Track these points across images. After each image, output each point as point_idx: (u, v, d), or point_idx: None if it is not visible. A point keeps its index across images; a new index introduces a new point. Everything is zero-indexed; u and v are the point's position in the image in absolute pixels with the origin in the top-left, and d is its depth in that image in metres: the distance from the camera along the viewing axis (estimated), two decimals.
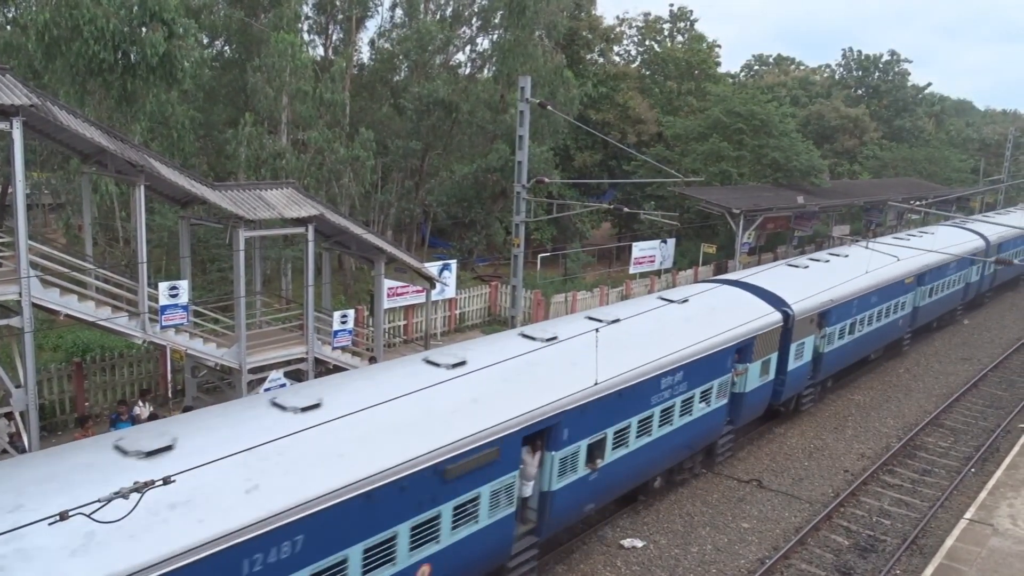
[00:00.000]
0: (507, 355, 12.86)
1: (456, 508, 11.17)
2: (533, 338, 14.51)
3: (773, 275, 21.99)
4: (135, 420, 15.34)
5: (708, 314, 17.69)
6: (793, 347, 20.46)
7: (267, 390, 17.18)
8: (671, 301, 17.92)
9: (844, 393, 25.20)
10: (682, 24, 60.98)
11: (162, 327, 15.93)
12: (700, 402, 16.77)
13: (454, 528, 11.22)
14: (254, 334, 18.46)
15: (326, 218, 17.92)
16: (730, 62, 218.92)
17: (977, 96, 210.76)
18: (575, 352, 13.90)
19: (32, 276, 13.81)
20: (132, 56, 22.48)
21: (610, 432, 14.20)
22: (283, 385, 17.56)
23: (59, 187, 29.21)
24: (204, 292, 23.88)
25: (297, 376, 18.21)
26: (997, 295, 41.28)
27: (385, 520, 10.11)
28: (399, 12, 39.20)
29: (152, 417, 15.59)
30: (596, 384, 13.40)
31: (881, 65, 78.65)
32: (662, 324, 16.41)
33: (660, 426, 15.59)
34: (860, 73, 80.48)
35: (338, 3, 35.96)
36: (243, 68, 29.38)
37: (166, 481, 6.80)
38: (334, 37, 38.62)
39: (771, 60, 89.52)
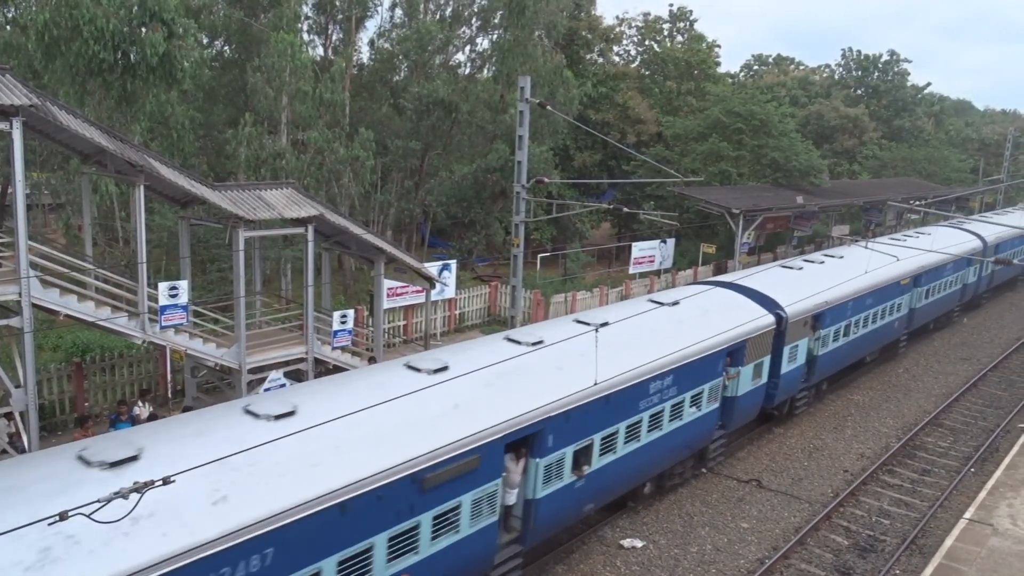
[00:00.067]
0: (491, 360, 12.61)
1: (436, 517, 10.93)
2: (519, 342, 14.21)
3: (766, 277, 21.76)
4: (135, 420, 15.35)
5: (699, 317, 17.52)
6: (786, 350, 20.25)
7: (267, 390, 17.20)
8: (662, 304, 17.77)
9: (843, 393, 25.21)
10: (682, 24, 61.01)
11: (162, 327, 15.93)
12: (690, 406, 16.54)
13: (434, 538, 10.99)
14: (254, 334, 18.46)
15: (326, 218, 17.92)
16: (730, 62, 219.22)
17: (976, 96, 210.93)
18: (561, 357, 13.70)
19: (32, 276, 13.81)
20: (132, 56, 22.49)
21: (597, 438, 13.94)
22: (283, 385, 17.58)
23: (59, 187, 29.24)
24: (204, 292, 23.88)
25: (297, 376, 18.21)
26: (995, 296, 41.18)
27: (361, 531, 9.87)
28: (399, 12, 39.26)
29: (152, 417, 15.60)
30: (582, 389, 13.18)
31: (880, 65, 78.70)
32: (652, 327, 16.19)
33: (649, 431, 15.33)
34: (859, 73, 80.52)
35: (338, 3, 35.97)
36: (243, 68, 29.39)
37: (166, 481, 6.78)
38: (334, 37, 38.64)
39: (771, 60, 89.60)
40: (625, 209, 27.16)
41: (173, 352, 19.61)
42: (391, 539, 10.29)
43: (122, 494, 6.40)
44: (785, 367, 20.42)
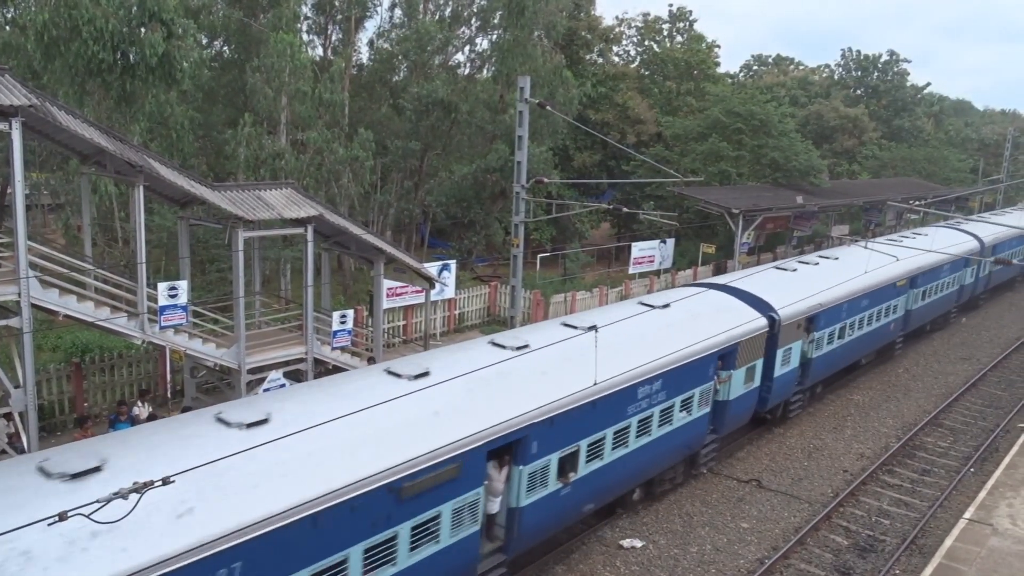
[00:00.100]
0: (474, 365, 12.35)
1: (415, 528, 10.65)
2: (503, 346, 13.90)
3: (760, 279, 21.42)
4: (134, 420, 15.35)
5: (690, 320, 17.24)
6: (779, 353, 19.95)
7: (266, 390, 17.20)
8: (652, 307, 17.47)
9: (843, 393, 25.21)
10: (681, 24, 61.05)
11: (161, 327, 15.92)
12: (680, 411, 16.25)
13: (413, 549, 10.71)
14: (253, 334, 18.45)
15: (325, 218, 17.92)
16: (729, 62, 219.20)
17: (976, 96, 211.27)
18: (547, 361, 13.41)
19: (31, 276, 13.80)
20: (131, 56, 22.49)
21: (583, 444, 13.64)
22: (282, 385, 17.58)
23: (58, 187, 29.27)
24: (203, 292, 23.88)
25: (297, 376, 18.21)
26: (993, 297, 40.96)
27: (334, 543, 9.56)
28: (398, 12, 39.30)
29: (152, 417, 15.60)
30: (568, 395, 12.91)
31: (880, 65, 78.78)
32: (641, 331, 15.82)
33: (638, 437, 15.05)
34: (859, 73, 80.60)
35: (337, 3, 35.98)
36: (242, 68, 29.40)
37: (165, 481, 6.76)
38: (333, 37, 38.65)
39: (770, 60, 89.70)
40: (625, 209, 27.17)
41: (172, 352, 19.61)
42: (367, 551, 10.03)
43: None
44: (778, 370, 20.11)
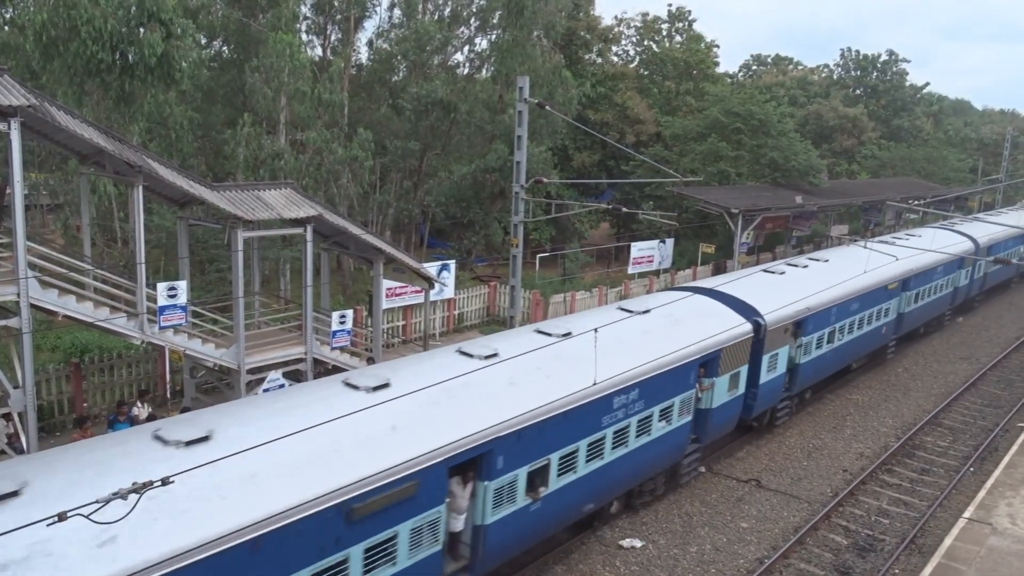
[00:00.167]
0: (439, 376, 11.82)
1: (368, 550, 10.06)
2: (471, 355, 13.32)
3: (746, 283, 20.78)
4: (133, 421, 15.33)
5: (670, 326, 16.66)
6: (765, 359, 19.40)
7: (266, 391, 17.20)
8: (631, 312, 16.79)
9: (843, 393, 25.22)
10: (680, 24, 61.06)
11: (160, 328, 15.91)
12: (660, 420, 15.68)
13: (367, 572, 10.16)
14: (253, 334, 18.45)
15: (325, 218, 17.91)
16: (728, 62, 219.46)
17: (975, 96, 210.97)
18: (517, 371, 12.90)
19: (30, 277, 13.80)
20: (130, 56, 22.50)
21: (555, 458, 13.09)
22: (281, 386, 17.58)
23: (57, 188, 29.24)
24: (202, 292, 23.88)
25: (296, 376, 18.21)
26: (988, 299, 40.47)
27: (276, 570, 9.02)
28: (397, 12, 39.32)
29: (151, 417, 15.59)
30: (538, 406, 12.45)
31: (879, 65, 78.88)
32: (618, 338, 15.08)
33: (614, 448, 14.48)
34: (858, 73, 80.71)
35: (336, 3, 35.99)
36: (241, 68, 29.40)
37: (165, 482, 6.75)
38: (332, 37, 38.68)
39: (769, 60, 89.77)
40: (624, 209, 27.20)
41: (172, 353, 19.59)
42: None
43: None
44: (764, 376, 19.56)
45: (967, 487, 18.65)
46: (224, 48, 33.41)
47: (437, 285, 23.81)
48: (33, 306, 13.94)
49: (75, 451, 9.50)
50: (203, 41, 31.30)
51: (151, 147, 23.71)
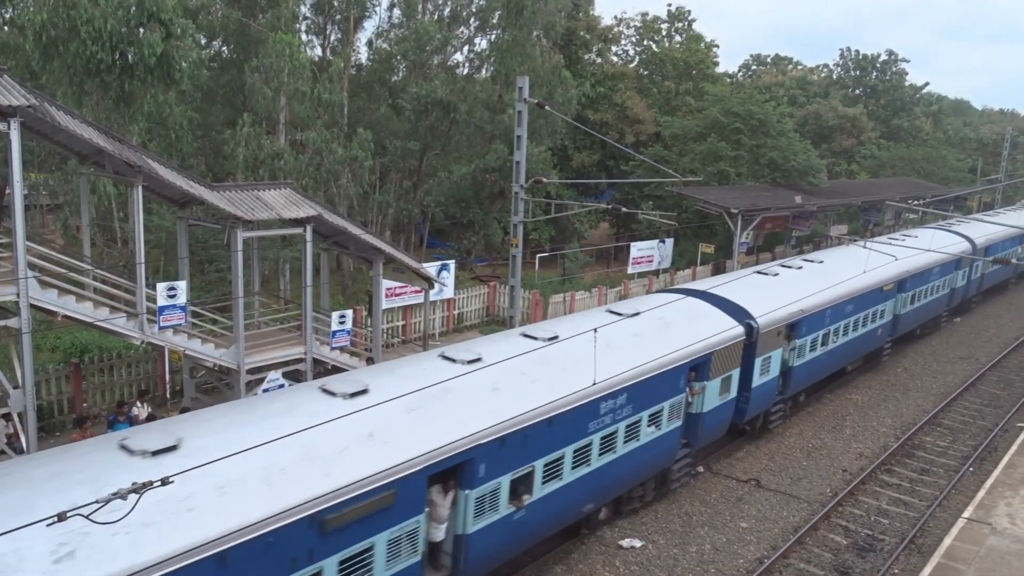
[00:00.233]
0: (420, 382, 11.54)
1: (343, 562, 9.78)
2: (454, 360, 13.04)
3: (739, 285, 20.33)
4: (133, 421, 15.33)
5: (660, 329, 16.37)
6: (758, 362, 19.13)
7: (265, 391, 17.20)
8: (621, 315, 16.55)
9: (842, 392, 25.23)
10: (680, 24, 61.06)
11: (160, 328, 15.92)
12: (649, 426, 15.39)
13: None
14: (252, 334, 18.45)
15: (324, 218, 17.92)
16: (728, 62, 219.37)
17: (975, 95, 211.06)
18: (500, 376, 12.64)
19: (30, 277, 13.80)
20: (130, 57, 22.49)
21: (539, 465, 12.79)
22: (281, 386, 17.58)
23: (57, 188, 29.25)
24: (202, 292, 23.88)
25: (296, 376, 18.21)
26: (985, 300, 40.29)
27: None
28: (397, 12, 39.31)
29: (151, 418, 15.59)
30: (522, 413, 12.22)
31: (879, 65, 78.92)
32: (606, 341, 14.60)
33: (601, 455, 14.19)
34: (858, 73, 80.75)
35: (336, 3, 35.99)
36: (241, 68, 29.40)
37: (164, 482, 6.73)
38: (332, 37, 38.67)
39: (769, 60, 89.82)
40: (623, 209, 27.17)
41: (172, 353, 19.59)
42: None
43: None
44: (757, 380, 19.29)
45: (966, 487, 18.66)
46: (224, 48, 33.41)
47: (437, 285, 23.82)
48: (33, 306, 13.95)
49: (34, 463, 9.15)
50: (203, 41, 31.30)
51: (151, 147, 23.71)
